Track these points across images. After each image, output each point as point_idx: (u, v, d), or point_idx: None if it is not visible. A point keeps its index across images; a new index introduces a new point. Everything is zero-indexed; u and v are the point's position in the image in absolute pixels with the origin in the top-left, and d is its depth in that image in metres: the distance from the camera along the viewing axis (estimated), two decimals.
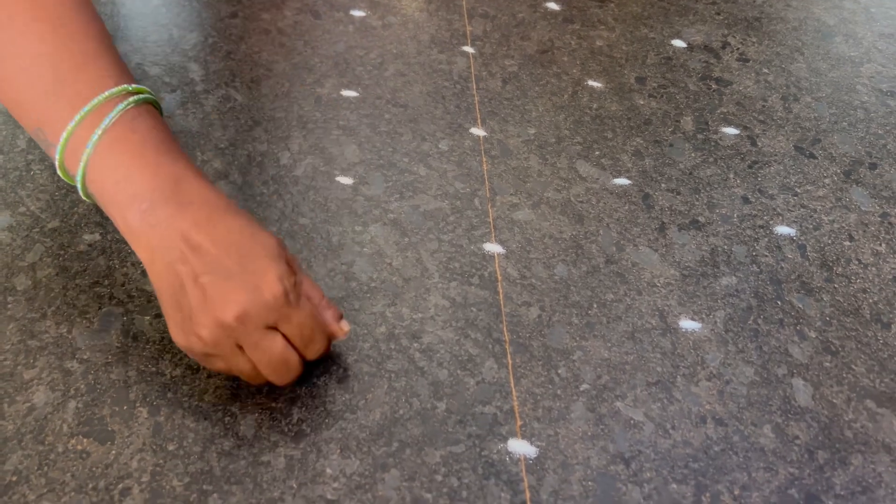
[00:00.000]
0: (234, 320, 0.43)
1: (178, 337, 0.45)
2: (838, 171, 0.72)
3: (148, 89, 0.48)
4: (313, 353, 0.48)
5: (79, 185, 0.46)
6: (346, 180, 0.67)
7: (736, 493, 0.48)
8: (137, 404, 0.50)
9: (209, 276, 0.43)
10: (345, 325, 0.50)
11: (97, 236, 0.60)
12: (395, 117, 0.75)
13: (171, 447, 0.48)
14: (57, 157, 0.45)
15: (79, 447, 0.47)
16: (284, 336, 0.46)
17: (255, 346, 0.45)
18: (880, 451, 0.50)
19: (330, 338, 0.49)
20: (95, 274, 0.57)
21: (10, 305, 0.54)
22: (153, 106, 0.48)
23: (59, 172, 0.46)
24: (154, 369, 0.52)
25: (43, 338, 0.53)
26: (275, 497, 0.46)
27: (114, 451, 0.47)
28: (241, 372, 0.47)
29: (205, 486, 0.46)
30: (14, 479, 0.45)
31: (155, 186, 0.44)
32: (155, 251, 0.44)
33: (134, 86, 0.47)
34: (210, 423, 0.49)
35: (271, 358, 0.45)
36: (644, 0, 0.97)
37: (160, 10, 0.86)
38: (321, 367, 0.53)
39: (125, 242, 0.59)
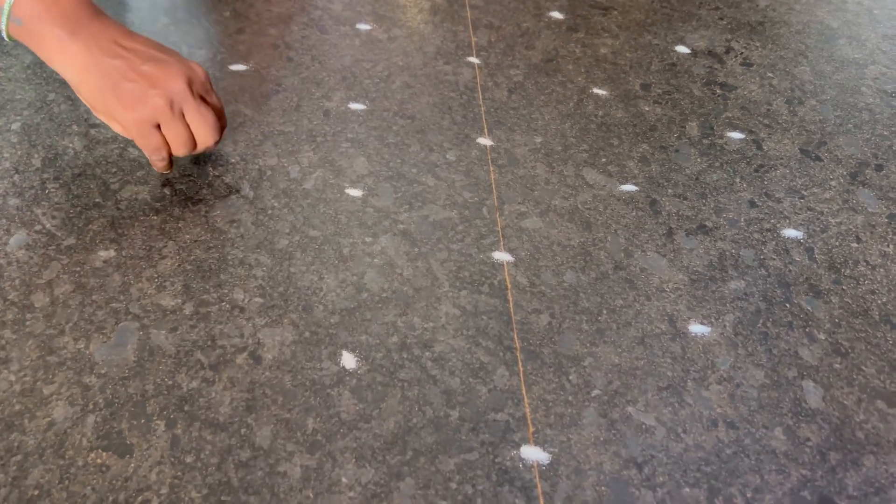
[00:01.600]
0: (185, 86, 0.56)
1: (131, 112, 0.55)
2: (844, 173, 0.73)
3: None
4: (224, 123, 0.63)
5: (4, 16, 0.53)
6: (355, 192, 0.68)
7: (749, 495, 0.48)
8: (155, 418, 0.50)
9: (149, 63, 0.56)
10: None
11: (112, 252, 0.61)
12: (402, 129, 0.76)
13: (188, 459, 0.48)
14: None
15: (98, 461, 0.48)
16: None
17: (195, 110, 0.58)
18: (892, 452, 0.51)
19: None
20: (111, 290, 0.58)
21: (28, 322, 0.55)
22: None
23: None
24: (171, 382, 0.52)
25: (61, 353, 0.54)
26: None
27: (133, 465, 0.48)
28: (179, 136, 0.59)
29: (223, 498, 0.47)
30: (36, 493, 0.46)
31: (80, 9, 0.55)
32: (91, 56, 0.54)
33: None
34: (227, 435, 0.50)
35: (207, 119, 0.59)
36: (647, 7, 0.97)
37: (169, 28, 0.87)
38: (335, 378, 0.53)
39: (141, 258, 0.60)
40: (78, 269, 0.60)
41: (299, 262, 0.61)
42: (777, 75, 0.85)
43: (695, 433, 0.51)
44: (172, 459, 0.48)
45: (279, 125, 0.75)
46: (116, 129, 0.59)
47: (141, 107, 0.56)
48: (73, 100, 0.75)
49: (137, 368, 0.53)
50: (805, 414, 0.52)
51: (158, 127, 0.58)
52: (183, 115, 0.58)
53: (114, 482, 0.47)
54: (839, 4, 0.98)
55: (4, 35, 0.55)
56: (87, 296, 0.58)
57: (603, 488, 0.48)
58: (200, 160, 0.70)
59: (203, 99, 0.60)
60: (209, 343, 0.55)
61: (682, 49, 0.89)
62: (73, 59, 0.55)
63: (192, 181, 0.68)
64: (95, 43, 0.55)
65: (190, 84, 0.57)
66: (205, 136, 0.60)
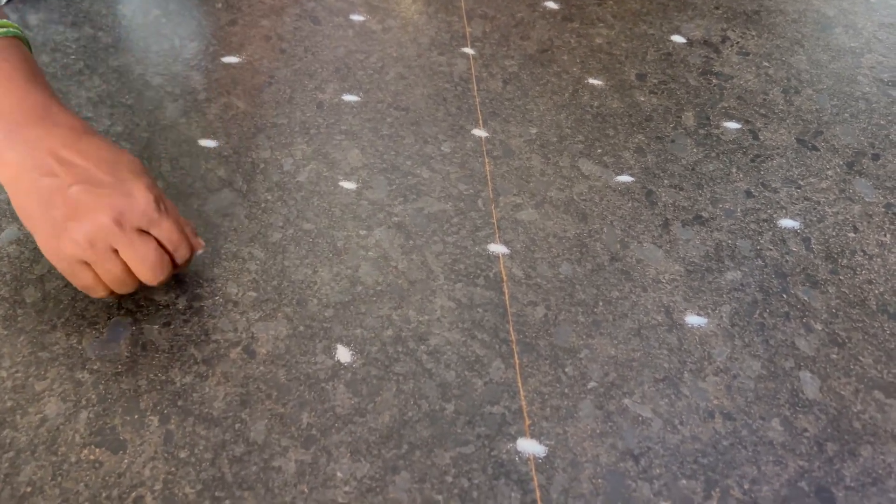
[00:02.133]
0: (112, 222, 0.46)
1: (50, 245, 0.47)
2: (841, 162, 0.72)
3: (16, 25, 0.50)
4: (181, 258, 0.51)
5: None
6: (349, 185, 0.68)
7: (746, 486, 0.48)
8: (148, 413, 0.50)
9: (80, 186, 0.46)
10: (201, 241, 0.54)
11: None
12: (396, 121, 0.75)
13: (182, 455, 0.48)
14: None
15: (91, 457, 0.48)
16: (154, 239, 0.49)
17: (130, 246, 0.47)
18: (890, 442, 0.50)
19: (191, 249, 0.52)
20: None
21: (20, 318, 0.55)
22: (22, 42, 0.51)
23: None
24: (164, 378, 0.52)
25: (53, 349, 0.53)
26: (287, 501, 0.46)
27: (126, 460, 0.48)
28: (111, 276, 0.49)
29: (217, 493, 0.46)
30: (28, 489, 0.46)
31: (24, 109, 0.47)
32: (22, 168, 0.46)
33: (3, 20, 0.50)
34: (221, 430, 0.49)
35: (146, 256, 0.48)
36: None
37: (161, 20, 0.86)
38: (330, 372, 0.53)
39: None
40: None
41: (293, 256, 0.61)
42: (773, 64, 0.85)
43: (691, 425, 0.51)
44: (166, 455, 0.48)
45: (272, 117, 0.74)
46: (45, 255, 0.49)
47: (55, 242, 0.47)
48: (63, 93, 0.74)
49: (130, 363, 0.53)
50: (802, 405, 0.52)
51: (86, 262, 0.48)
52: (115, 252, 0.48)
53: (107, 478, 0.47)
54: None
55: None
56: (79, 291, 0.57)
57: (599, 481, 0.48)
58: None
59: (144, 230, 0.49)
60: (202, 337, 0.55)
61: (677, 39, 0.89)
62: (5, 168, 0.47)
63: (184, 174, 0.67)
64: (30, 153, 0.46)
65: (119, 216, 0.47)
66: (143, 275, 0.49)
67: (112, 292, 0.51)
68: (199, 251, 0.54)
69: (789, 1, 0.96)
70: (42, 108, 0.48)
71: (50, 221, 0.46)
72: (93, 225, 0.46)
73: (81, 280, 0.49)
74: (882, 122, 0.77)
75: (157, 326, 0.55)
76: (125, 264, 0.49)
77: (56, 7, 0.85)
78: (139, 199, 0.48)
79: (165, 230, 0.49)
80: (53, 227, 0.46)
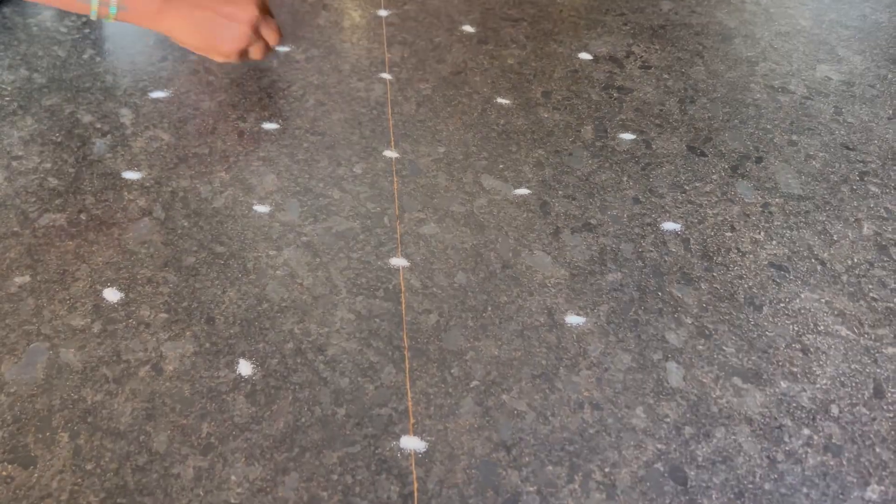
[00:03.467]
0: (260, 10, 0.74)
1: (228, 46, 0.73)
2: (726, 166, 0.77)
3: None
4: (280, 38, 0.79)
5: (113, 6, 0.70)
6: (263, 208, 0.72)
7: (606, 470, 0.52)
8: (59, 430, 0.54)
9: (228, 6, 0.72)
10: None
11: (27, 278, 0.65)
12: (312, 145, 0.80)
13: (89, 467, 0.52)
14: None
15: (3, 473, 0.51)
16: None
17: (267, 25, 0.76)
18: (742, 423, 0.55)
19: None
20: (24, 313, 0.62)
21: None
22: None
23: (93, 16, 0.70)
24: (76, 396, 0.56)
25: None
26: None
27: (36, 474, 0.52)
28: (260, 50, 0.77)
29: (119, 500, 0.50)
30: None
31: None
32: (185, 13, 0.71)
33: None
34: (126, 443, 0.53)
35: (275, 32, 0.77)
36: (556, 17, 1.02)
37: (95, 59, 0.91)
38: (231, 385, 0.57)
39: (54, 282, 0.64)
40: None
41: (204, 278, 0.65)
42: (672, 76, 0.90)
43: (562, 416, 0.55)
44: (74, 468, 0.52)
45: (194, 147, 0.79)
46: (217, 59, 0.76)
47: (234, 41, 0.73)
48: None
49: (45, 385, 0.57)
50: (666, 393, 0.57)
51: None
52: (259, 31, 0.75)
53: (17, 492, 0.50)
54: (738, 5, 1.03)
55: (112, 20, 0.71)
56: (1, 320, 0.61)
57: (473, 471, 0.52)
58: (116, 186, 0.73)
59: (267, 11, 0.77)
60: (114, 358, 0.59)
61: (584, 56, 0.94)
62: (170, 18, 0.70)
63: (107, 206, 0.71)
64: (184, 4, 0.70)
65: (262, 8, 0.74)
66: (273, 40, 0.77)
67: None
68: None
69: (694, 14, 1.01)
70: None
71: (226, 33, 0.73)
72: (252, 19, 0.73)
73: (238, 57, 0.76)
74: (768, 127, 0.82)
75: (72, 349, 0.59)
76: (264, 39, 0.76)
77: None
78: (254, 13, 0.73)
79: (272, 28, 0.77)
80: (230, 35, 0.73)
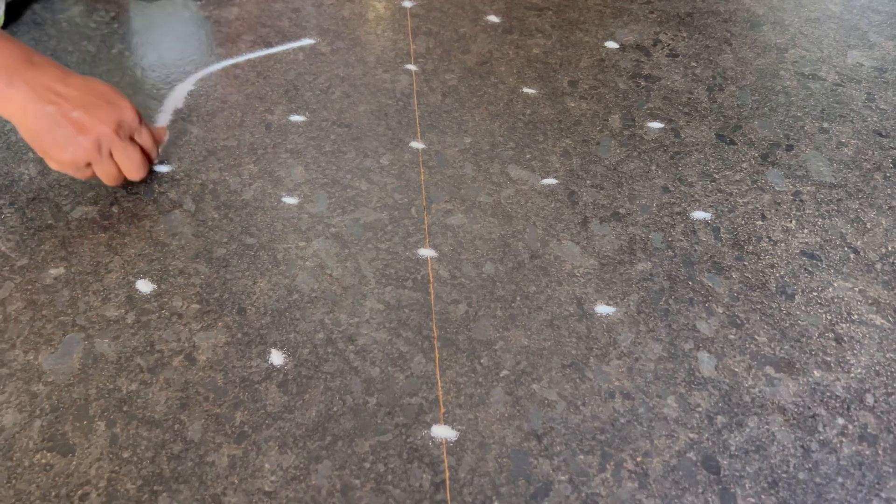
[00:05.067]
0: (113, 130, 0.63)
1: (65, 156, 0.62)
2: (756, 154, 0.76)
3: None
4: (153, 157, 0.71)
5: None
6: (291, 200, 0.73)
7: (638, 459, 0.52)
8: (96, 419, 0.55)
9: (80, 110, 0.62)
10: (163, 131, 0.74)
11: (62, 270, 0.66)
12: (339, 137, 0.80)
13: (125, 455, 0.53)
14: None
15: (43, 461, 0.52)
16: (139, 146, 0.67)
17: (123, 152, 0.65)
18: (775, 413, 0.54)
19: (158, 142, 0.72)
20: (60, 304, 0.63)
21: None
22: None
23: None
24: (112, 386, 0.57)
25: (12, 366, 0.58)
26: (218, 492, 0.51)
27: (74, 462, 0.52)
28: (108, 174, 0.66)
29: (155, 487, 0.51)
30: None
31: (13, 59, 0.60)
32: (27, 102, 0.60)
33: None
34: (161, 431, 0.54)
35: (132, 158, 0.66)
36: (581, 5, 1.01)
37: (124, 53, 0.92)
38: (264, 374, 0.58)
39: (88, 273, 0.65)
40: (29, 287, 0.64)
41: (235, 269, 0.66)
42: (700, 64, 0.89)
43: (592, 405, 0.55)
44: (111, 455, 0.53)
45: (223, 140, 0.79)
46: (52, 166, 0.65)
47: (71, 151, 0.63)
48: None
49: (82, 375, 0.58)
50: (697, 382, 0.56)
51: (90, 164, 0.65)
52: (111, 155, 0.65)
53: (56, 479, 0.51)
54: None
55: None
56: (38, 311, 0.62)
57: (504, 459, 0.52)
58: (148, 179, 0.74)
59: (132, 138, 0.67)
60: (148, 348, 0.60)
61: (611, 44, 0.93)
62: (10, 104, 0.61)
63: (138, 199, 0.72)
64: (31, 90, 0.61)
65: (118, 128, 0.64)
66: (131, 173, 0.68)
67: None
68: (164, 142, 0.74)
69: (721, 2, 1.00)
70: (27, 57, 0.61)
71: (61, 139, 0.62)
72: (98, 135, 0.63)
73: (85, 177, 0.66)
74: (798, 115, 0.81)
75: (107, 340, 0.60)
76: (116, 165, 0.66)
77: None
78: (127, 114, 0.65)
79: (145, 137, 0.68)
80: (65, 141, 0.62)
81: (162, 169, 0.76)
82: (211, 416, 0.55)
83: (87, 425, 0.55)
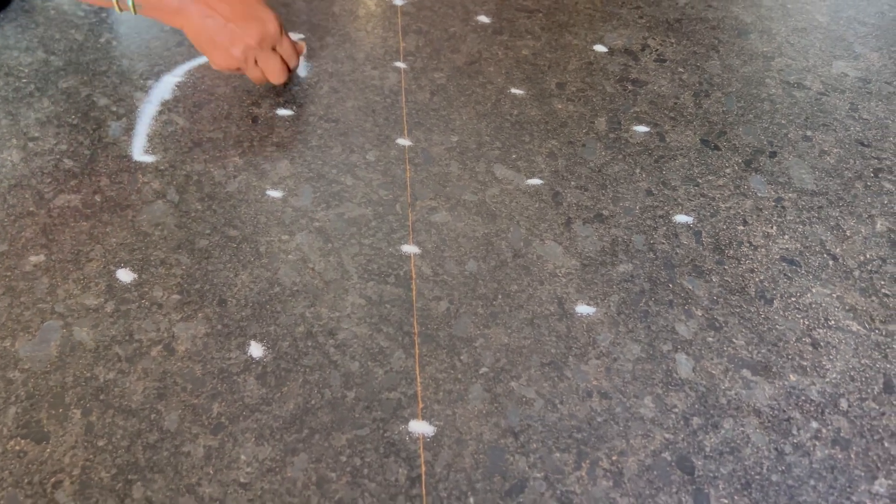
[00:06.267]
0: (256, 43, 0.73)
1: (220, 61, 0.74)
2: (739, 160, 0.77)
3: None
4: (293, 65, 0.80)
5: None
6: (276, 193, 0.72)
7: (614, 458, 0.52)
8: (72, 407, 0.55)
9: (233, 21, 0.72)
10: (303, 45, 0.83)
11: (42, 257, 0.65)
12: (326, 132, 0.80)
13: (100, 443, 0.53)
14: None
15: (17, 448, 0.52)
16: (280, 55, 0.77)
17: (266, 60, 0.76)
18: (750, 415, 0.55)
19: (298, 54, 0.81)
20: (39, 291, 0.62)
21: None
22: None
23: (116, 8, 0.72)
24: (89, 374, 0.57)
25: None
26: (193, 482, 0.51)
27: (48, 450, 0.52)
28: (255, 77, 0.78)
29: (130, 476, 0.51)
30: None
31: None
32: (192, 15, 0.71)
33: None
34: (137, 420, 0.54)
35: (274, 67, 0.77)
36: (571, 8, 1.02)
37: (111, 43, 0.91)
38: (243, 366, 0.58)
39: (68, 262, 0.65)
40: (8, 273, 0.64)
41: (216, 261, 0.65)
42: (688, 70, 0.90)
43: (570, 404, 0.55)
44: (86, 444, 0.53)
45: (209, 132, 0.79)
46: (213, 66, 0.76)
47: (224, 57, 0.74)
48: (13, 115, 0.79)
49: (59, 363, 0.57)
50: (674, 384, 0.57)
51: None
52: (256, 62, 0.76)
53: (30, 466, 0.51)
54: (754, 0, 1.03)
55: (132, 11, 0.72)
56: (16, 298, 0.62)
57: (481, 456, 0.52)
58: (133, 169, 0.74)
59: (274, 48, 0.76)
60: (127, 338, 0.59)
61: (599, 48, 0.94)
62: (188, 20, 0.72)
63: (122, 189, 0.72)
64: (196, 6, 0.71)
65: (261, 41, 0.74)
66: (273, 77, 0.78)
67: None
68: (303, 53, 0.85)
69: (710, 9, 1.01)
70: None
71: (216, 46, 0.73)
72: (245, 46, 0.73)
73: (235, 72, 0.77)
74: (783, 122, 0.82)
75: (86, 328, 0.60)
76: (260, 70, 0.77)
77: (11, 34, 0.90)
78: (270, 28, 0.74)
79: (285, 48, 0.77)
80: (220, 49, 0.73)
81: (146, 159, 0.76)
82: (188, 407, 0.55)
83: (62, 413, 0.54)
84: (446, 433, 0.54)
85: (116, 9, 0.72)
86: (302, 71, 0.88)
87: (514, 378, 0.57)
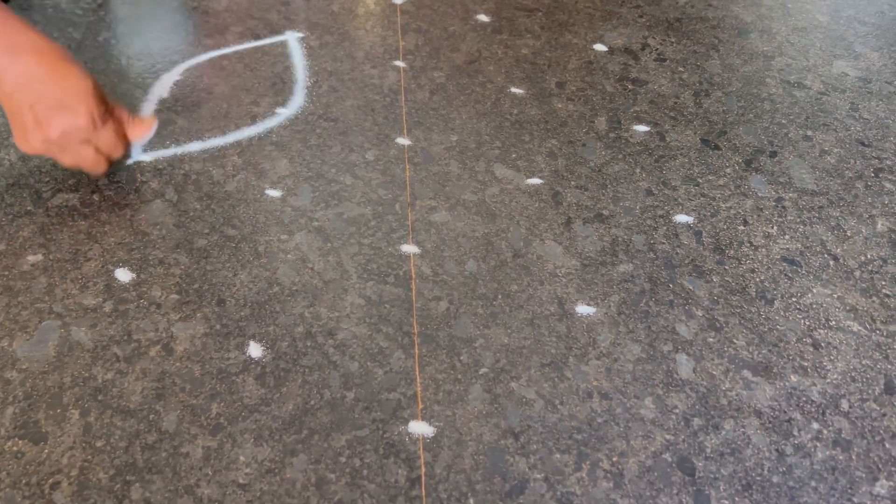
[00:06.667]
0: (58, 137, 0.63)
1: (21, 144, 0.64)
2: (740, 160, 0.77)
3: None
4: (117, 155, 0.69)
5: None
6: (275, 193, 0.72)
7: (614, 459, 0.52)
8: (70, 407, 0.54)
9: (39, 105, 0.61)
10: (147, 124, 0.72)
11: (40, 256, 0.65)
12: (325, 131, 0.80)
13: (98, 444, 0.52)
14: None
15: (14, 448, 0.52)
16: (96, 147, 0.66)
17: (75, 153, 0.65)
18: (751, 416, 0.55)
19: (133, 139, 0.71)
20: (37, 291, 0.62)
21: None
22: None
23: None
24: (87, 375, 0.56)
25: None
26: (192, 483, 0.50)
27: (46, 450, 0.52)
28: (67, 164, 0.67)
29: (128, 477, 0.51)
30: None
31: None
32: (2, 85, 0.61)
33: None
34: (136, 421, 0.54)
35: (85, 160, 0.66)
36: (571, 7, 1.02)
37: (109, 41, 0.91)
38: (241, 366, 0.57)
39: (67, 261, 0.64)
40: (6, 273, 0.63)
41: (215, 260, 0.65)
42: (688, 69, 0.90)
43: (570, 405, 0.55)
44: (84, 444, 0.52)
45: (207, 131, 0.79)
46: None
47: (23, 144, 0.64)
48: None
49: (57, 363, 0.57)
50: (675, 384, 0.57)
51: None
52: (62, 147, 0.65)
53: (27, 467, 0.51)
54: None
55: None
56: (14, 297, 0.61)
57: (481, 457, 0.52)
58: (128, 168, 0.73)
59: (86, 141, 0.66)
60: (125, 337, 0.59)
61: (599, 47, 0.93)
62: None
63: (120, 188, 0.72)
64: (11, 74, 0.61)
65: (62, 136, 0.63)
66: (86, 169, 0.68)
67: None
68: (147, 133, 0.72)
69: (710, 8, 1.01)
70: (10, 34, 0.61)
71: (20, 127, 0.63)
72: (45, 139, 0.63)
73: (47, 156, 0.68)
74: (783, 122, 0.82)
75: (84, 328, 0.60)
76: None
77: None
78: (80, 121, 0.63)
79: (102, 141, 0.66)
80: (23, 131, 0.63)
81: (145, 158, 0.76)
82: (187, 407, 0.55)
83: (60, 413, 0.54)
84: (446, 434, 0.53)
85: None
86: (145, 156, 0.76)
87: (514, 378, 0.57)
